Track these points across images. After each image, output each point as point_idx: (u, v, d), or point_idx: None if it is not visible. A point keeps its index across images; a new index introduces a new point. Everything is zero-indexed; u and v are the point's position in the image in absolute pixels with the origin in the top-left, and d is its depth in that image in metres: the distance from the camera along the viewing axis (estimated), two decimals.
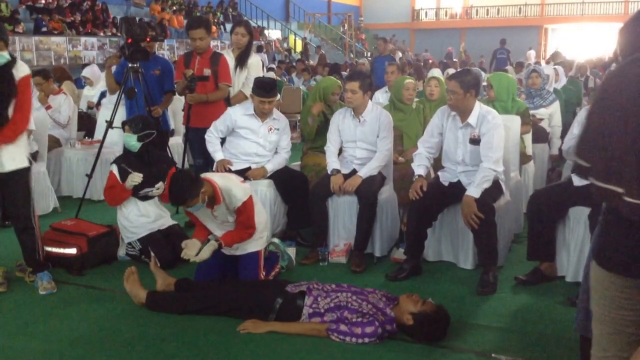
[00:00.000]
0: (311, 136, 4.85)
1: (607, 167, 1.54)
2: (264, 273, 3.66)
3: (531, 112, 5.71)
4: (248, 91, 5.00)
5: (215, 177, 3.52)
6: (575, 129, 3.88)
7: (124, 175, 4.05)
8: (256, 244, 3.64)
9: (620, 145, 1.51)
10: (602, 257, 1.70)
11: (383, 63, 9.26)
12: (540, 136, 5.73)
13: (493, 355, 2.88)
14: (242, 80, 5.10)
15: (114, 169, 4.10)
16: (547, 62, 12.62)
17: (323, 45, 24.53)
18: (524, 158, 4.99)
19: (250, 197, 3.49)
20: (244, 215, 3.47)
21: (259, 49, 16.79)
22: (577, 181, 3.55)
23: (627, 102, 1.51)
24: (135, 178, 4.01)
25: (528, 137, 5.15)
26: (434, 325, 3.00)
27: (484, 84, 6.96)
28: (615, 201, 1.55)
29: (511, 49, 17.83)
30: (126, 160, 4.11)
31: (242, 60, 5.08)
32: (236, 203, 3.42)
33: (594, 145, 1.59)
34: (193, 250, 3.43)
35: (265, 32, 22.25)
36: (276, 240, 4.06)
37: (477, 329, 3.15)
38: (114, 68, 5.29)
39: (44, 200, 5.34)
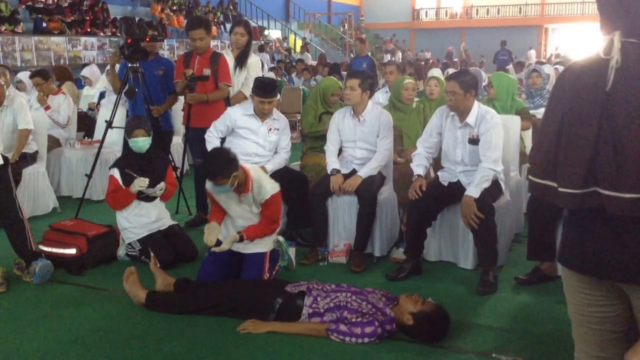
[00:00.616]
0: (311, 130, 4.87)
1: (543, 164, 1.60)
2: (267, 275, 3.65)
3: (531, 112, 5.70)
4: (247, 91, 5.00)
5: (249, 167, 3.58)
6: None
7: (126, 178, 4.05)
8: (265, 245, 3.64)
9: (549, 142, 1.58)
10: (563, 256, 1.72)
11: (361, 64, 9.33)
12: None
13: (493, 355, 2.88)
14: (241, 81, 5.09)
15: (115, 173, 4.08)
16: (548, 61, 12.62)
17: (323, 45, 24.52)
18: (524, 158, 4.98)
19: (279, 193, 3.54)
20: (270, 209, 3.52)
21: (261, 49, 16.77)
22: None
23: (559, 103, 1.58)
24: (142, 183, 4.00)
25: (528, 137, 5.15)
26: (433, 325, 3.00)
27: (484, 83, 6.97)
28: (551, 195, 1.59)
29: (512, 49, 18.12)
30: (127, 163, 4.10)
31: (241, 60, 5.07)
32: (265, 195, 3.47)
33: (536, 146, 1.65)
34: (213, 234, 3.48)
35: (266, 32, 22.22)
36: (281, 238, 4.05)
37: (477, 329, 3.15)
38: (117, 67, 5.29)
39: (43, 200, 5.35)
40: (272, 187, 3.51)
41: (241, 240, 3.50)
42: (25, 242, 3.77)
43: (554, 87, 1.66)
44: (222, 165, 3.32)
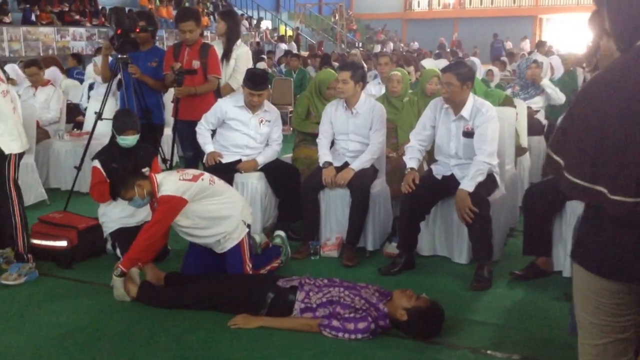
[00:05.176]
0: (299, 126, 4.80)
1: (592, 167, 1.50)
2: (250, 265, 3.58)
3: (526, 102, 5.66)
4: (235, 84, 4.92)
5: (161, 174, 3.47)
6: None
7: (109, 170, 3.93)
8: (231, 241, 3.51)
9: (604, 148, 1.49)
10: (589, 260, 1.60)
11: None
12: (536, 129, 5.69)
13: (488, 352, 2.85)
14: (229, 72, 4.98)
15: (98, 165, 3.98)
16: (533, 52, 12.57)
17: (314, 36, 24.40)
18: (519, 150, 4.94)
19: (179, 198, 3.25)
20: (158, 208, 3.28)
21: (281, 40, 16.69)
22: None
23: (608, 107, 1.49)
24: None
25: (523, 130, 5.10)
26: (428, 321, 2.96)
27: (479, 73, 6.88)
28: (599, 199, 1.50)
29: (505, 40, 18.80)
30: (109, 155, 3.99)
31: (225, 51, 4.97)
32: (160, 194, 3.30)
33: (575, 144, 1.54)
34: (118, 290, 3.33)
35: (262, 23, 22.02)
36: (282, 233, 4.01)
37: (471, 325, 3.12)
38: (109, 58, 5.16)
39: (31, 192, 5.25)
40: (172, 188, 3.26)
41: (122, 275, 3.29)
42: (12, 239, 3.65)
43: (588, 88, 1.57)
44: (119, 179, 3.28)
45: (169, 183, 3.32)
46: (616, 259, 1.53)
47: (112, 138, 4.08)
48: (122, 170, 3.35)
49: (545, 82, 5.91)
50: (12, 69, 6.96)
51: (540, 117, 5.92)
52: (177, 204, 3.27)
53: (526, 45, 21.85)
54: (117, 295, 3.33)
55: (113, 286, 3.34)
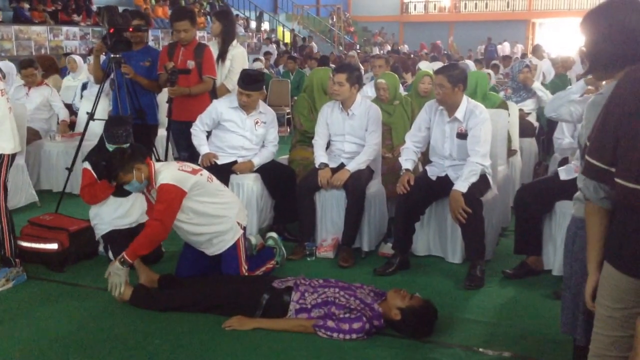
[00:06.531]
0: (309, 128, 4.81)
1: (611, 151, 1.59)
2: (246, 267, 3.58)
3: (518, 105, 5.69)
4: (230, 84, 4.91)
5: (159, 163, 3.45)
6: (565, 129, 3.94)
7: (100, 172, 3.90)
8: (224, 243, 3.50)
9: (619, 135, 1.57)
10: (621, 260, 1.62)
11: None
12: (528, 130, 5.72)
13: (480, 349, 2.87)
14: (224, 73, 4.98)
15: (88, 166, 3.94)
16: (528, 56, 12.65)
17: (312, 37, 24.41)
18: (510, 152, 4.97)
19: (178, 188, 3.23)
20: (160, 199, 3.24)
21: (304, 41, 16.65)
22: (564, 175, 3.54)
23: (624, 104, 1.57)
24: None
25: (515, 132, 5.13)
26: (421, 320, 2.98)
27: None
28: (609, 181, 1.58)
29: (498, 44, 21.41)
30: (101, 157, 3.94)
31: (220, 52, 4.96)
32: (157, 185, 3.28)
33: (598, 130, 1.63)
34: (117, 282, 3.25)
35: (253, 23, 22.01)
36: (275, 235, 4.01)
37: (464, 324, 3.14)
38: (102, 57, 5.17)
39: (21, 194, 5.21)
40: (169, 177, 3.24)
41: (130, 265, 3.23)
42: None
43: (618, 83, 1.64)
44: (117, 160, 3.25)
45: (168, 171, 3.31)
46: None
47: (102, 139, 4.04)
48: (121, 152, 3.30)
49: (537, 85, 5.96)
50: (6, 66, 6.93)
51: (532, 119, 5.97)
52: (177, 194, 3.25)
53: (505, 48, 22.04)
54: (116, 282, 3.22)
55: (111, 273, 3.23)
